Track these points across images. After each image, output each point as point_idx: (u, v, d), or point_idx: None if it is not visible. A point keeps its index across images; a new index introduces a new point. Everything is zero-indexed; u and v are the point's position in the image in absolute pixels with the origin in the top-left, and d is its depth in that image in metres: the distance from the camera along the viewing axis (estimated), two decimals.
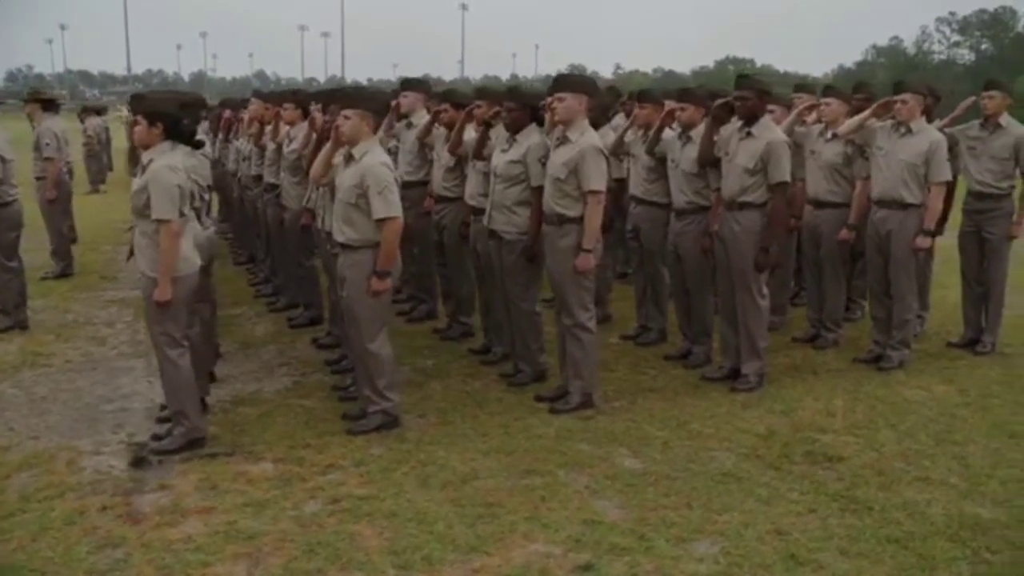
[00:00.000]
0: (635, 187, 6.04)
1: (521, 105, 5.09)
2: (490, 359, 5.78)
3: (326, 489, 4.00)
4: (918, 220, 5.53)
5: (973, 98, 6.14)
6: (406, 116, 6.64)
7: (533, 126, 5.09)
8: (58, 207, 8.65)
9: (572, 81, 4.76)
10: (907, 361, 5.78)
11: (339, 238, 4.56)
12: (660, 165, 5.78)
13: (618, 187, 6.43)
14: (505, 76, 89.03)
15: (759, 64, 65.05)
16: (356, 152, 4.49)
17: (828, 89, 6.22)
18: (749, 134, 5.08)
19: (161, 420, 4.77)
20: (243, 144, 8.30)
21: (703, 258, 5.51)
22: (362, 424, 4.67)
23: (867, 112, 5.73)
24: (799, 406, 5.02)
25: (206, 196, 5.29)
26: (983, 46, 54.13)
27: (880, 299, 5.85)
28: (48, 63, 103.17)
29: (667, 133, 5.70)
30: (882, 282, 5.78)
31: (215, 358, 5.65)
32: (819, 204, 6.10)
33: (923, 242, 5.55)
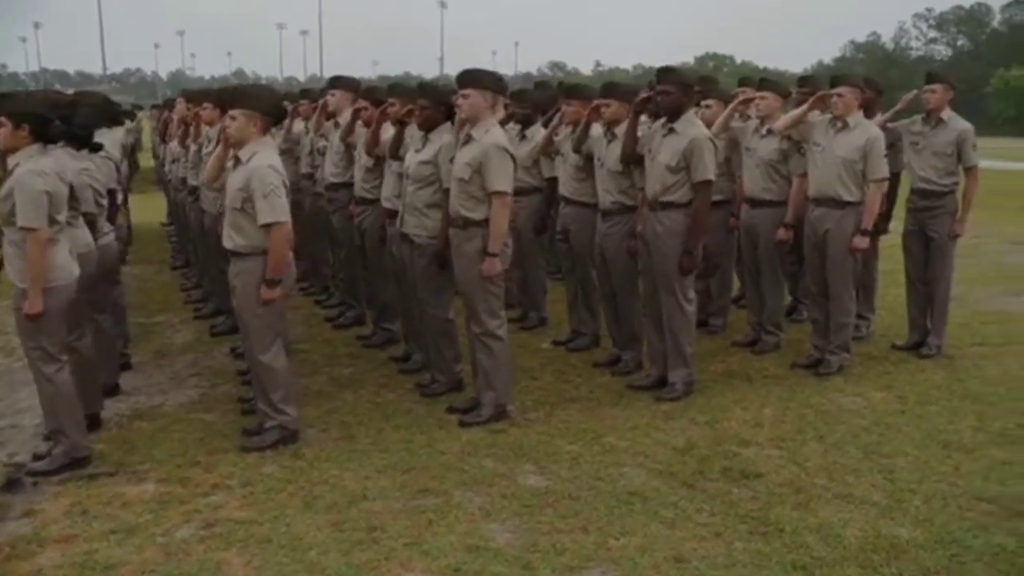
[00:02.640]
0: (564, 187, 5.78)
1: (434, 103, 4.81)
2: (409, 367, 5.51)
3: (203, 512, 3.72)
4: (856, 219, 5.29)
5: (916, 92, 5.91)
6: (334, 115, 6.36)
7: (447, 125, 4.82)
8: None
9: (477, 77, 4.49)
10: (847, 366, 5.55)
11: (227, 245, 4.29)
12: (588, 164, 5.52)
13: (549, 187, 6.18)
14: None
15: (739, 60, 64.93)
16: (243, 154, 4.21)
17: (763, 82, 5.97)
18: (672, 130, 4.82)
19: (47, 438, 4.47)
20: (175, 146, 8.02)
21: (629, 260, 5.25)
22: (257, 440, 4.39)
23: (803, 107, 5.49)
24: (725, 416, 4.77)
25: (103, 201, 5.00)
26: (960, 42, 54.24)
27: (818, 301, 5.61)
28: (23, 62, 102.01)
29: (595, 130, 5.44)
30: (820, 284, 5.55)
31: (118, 370, 5.35)
32: (755, 203, 5.86)
33: (860, 242, 5.31)
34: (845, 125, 5.27)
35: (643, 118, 5.25)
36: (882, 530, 3.54)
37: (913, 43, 56.94)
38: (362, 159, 5.82)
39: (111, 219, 5.18)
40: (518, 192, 6.33)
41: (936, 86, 5.70)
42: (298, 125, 7.43)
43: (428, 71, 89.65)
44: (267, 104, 4.29)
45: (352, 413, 4.87)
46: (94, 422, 4.62)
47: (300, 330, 6.70)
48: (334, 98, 6.28)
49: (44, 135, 4.06)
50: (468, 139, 4.48)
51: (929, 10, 55.30)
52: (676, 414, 4.80)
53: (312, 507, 3.76)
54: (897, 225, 6.18)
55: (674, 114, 4.81)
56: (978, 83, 44.86)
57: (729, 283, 6.50)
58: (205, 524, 3.61)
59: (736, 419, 4.73)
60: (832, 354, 5.52)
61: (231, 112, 4.24)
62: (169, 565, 3.31)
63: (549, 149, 5.99)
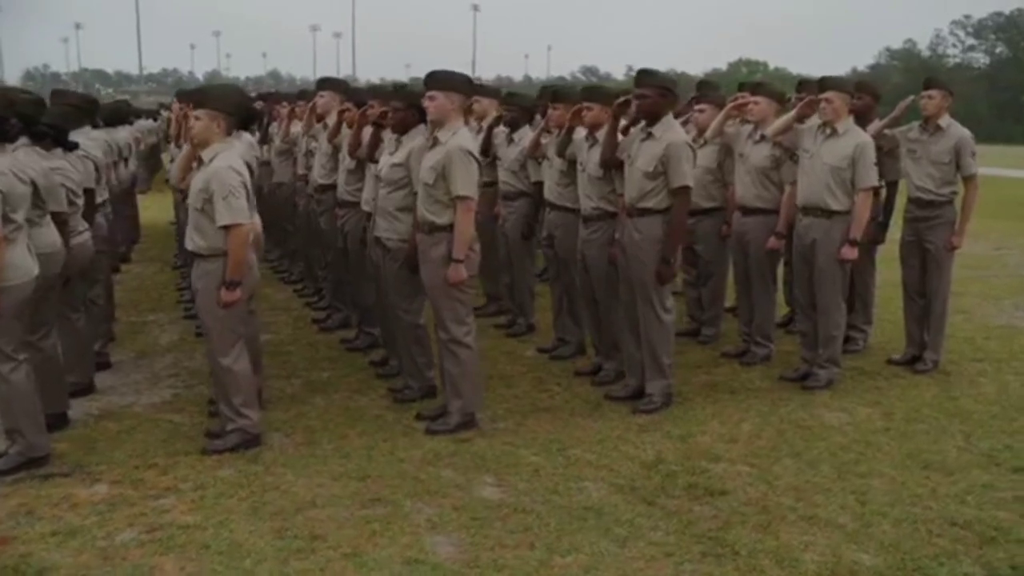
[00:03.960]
0: (548, 192, 5.66)
1: (407, 105, 4.72)
2: (387, 372, 5.43)
3: (149, 516, 3.66)
4: (844, 229, 5.12)
5: (912, 97, 5.71)
6: (323, 117, 6.31)
7: (421, 127, 4.73)
8: None
9: (444, 78, 4.40)
10: (836, 380, 5.36)
11: (189, 246, 4.25)
12: (573, 168, 5.40)
13: (537, 191, 6.07)
14: (518, 77, 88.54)
15: (772, 67, 64.20)
16: (206, 155, 4.16)
17: (757, 87, 5.80)
18: (650, 135, 4.69)
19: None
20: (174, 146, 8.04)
21: (611, 268, 5.11)
22: (218, 444, 4.33)
23: (793, 112, 5.34)
24: (701, 430, 4.62)
25: (78, 200, 4.97)
26: (998, 49, 53.11)
27: (807, 313, 5.44)
28: (64, 62, 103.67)
29: (579, 134, 5.32)
30: (808, 295, 5.38)
31: (92, 369, 5.31)
32: (747, 210, 5.70)
33: (849, 253, 5.13)
34: (834, 131, 5.10)
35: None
36: (843, 556, 3.38)
37: (950, 50, 55.96)
38: (345, 161, 5.76)
39: (88, 219, 5.15)
40: (506, 196, 6.28)
41: (934, 92, 5.49)
42: (296, 127, 7.40)
43: None
44: (231, 104, 4.23)
45: (320, 418, 4.80)
46: (61, 421, 4.59)
47: (287, 332, 6.66)
48: (322, 100, 6.23)
49: (1, 134, 4.03)
50: (434, 142, 4.38)
51: (967, 17, 54.30)
52: (650, 427, 4.66)
53: (259, 513, 3.68)
54: (897, 234, 5.98)
55: (652, 118, 4.67)
56: (1016, 92, 44.00)
57: (722, 292, 6.34)
58: (148, 528, 3.55)
59: (711, 433, 4.58)
60: (821, 368, 5.35)
61: (195, 112, 4.20)
62: (103, 570, 3.25)
63: (536, 153, 5.87)
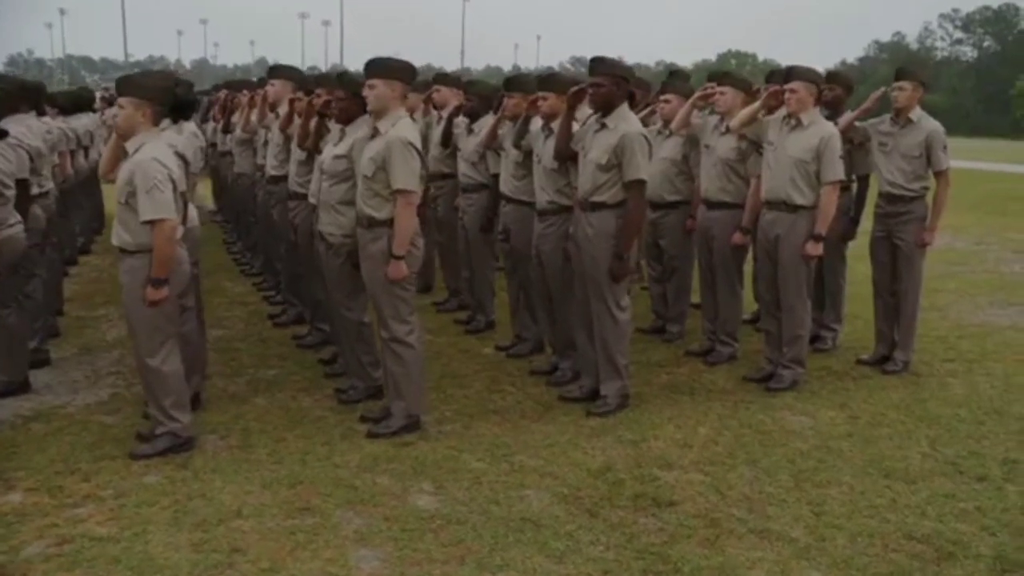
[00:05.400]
0: (504, 184, 5.44)
1: (350, 94, 4.49)
2: (335, 371, 5.21)
3: (62, 527, 3.45)
4: (809, 224, 4.92)
5: (884, 89, 5.51)
6: (276, 106, 6.07)
7: (366, 117, 4.50)
8: None
9: (385, 66, 4.17)
10: (801, 381, 5.18)
11: (115, 242, 4.03)
12: (529, 160, 5.19)
13: (495, 183, 5.85)
14: (507, 67, 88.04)
15: (761, 58, 64.02)
16: (131, 146, 3.94)
17: (724, 76, 5.59)
18: (604, 126, 4.48)
19: None
20: None
21: (566, 263, 4.91)
22: (146, 448, 4.11)
23: (757, 103, 5.13)
24: (655, 435, 4.43)
25: (8, 192, 4.72)
26: (986, 43, 53.03)
27: (771, 311, 5.25)
28: (48, 48, 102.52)
29: (535, 125, 5.10)
30: (772, 293, 5.19)
31: (25, 368, 5.08)
32: (712, 204, 5.50)
33: (814, 249, 4.94)
34: (799, 123, 4.90)
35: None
36: (792, 573, 3.20)
37: (938, 43, 55.90)
38: (296, 152, 5.53)
39: (21, 211, 4.91)
40: (465, 189, 6.07)
41: (905, 83, 5.30)
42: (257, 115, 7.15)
43: (449, 63, 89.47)
44: (157, 92, 3.99)
45: (259, 419, 4.59)
46: None
47: (239, 327, 6.44)
48: (273, 88, 6.00)
49: None
50: (374, 133, 4.17)
51: (956, 10, 54.21)
52: (603, 431, 4.47)
53: (179, 523, 3.48)
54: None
55: (606, 108, 4.46)
56: (1004, 85, 43.97)
57: (687, 288, 6.14)
58: (58, 541, 3.35)
59: (666, 438, 4.39)
60: (785, 368, 5.16)
61: (119, 100, 3.96)
62: None
63: (493, 144, 5.66)
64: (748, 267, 5.76)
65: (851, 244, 5.99)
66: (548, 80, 4.95)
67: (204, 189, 11.13)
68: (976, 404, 4.99)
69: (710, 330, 5.77)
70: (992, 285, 8.36)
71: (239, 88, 8.44)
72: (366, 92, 4.15)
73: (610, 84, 4.43)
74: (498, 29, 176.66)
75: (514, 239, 5.41)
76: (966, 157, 25.15)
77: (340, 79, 4.69)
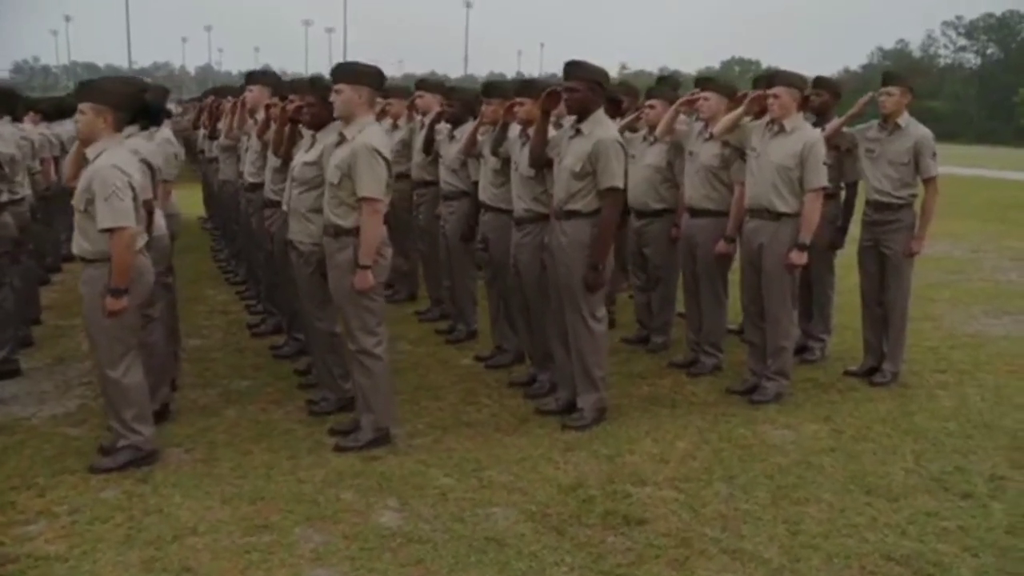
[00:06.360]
0: (483, 192, 5.34)
1: (321, 100, 4.39)
2: (309, 382, 5.10)
3: (10, 545, 3.35)
4: (792, 232, 4.80)
5: (871, 94, 5.40)
6: (255, 113, 5.98)
7: (337, 124, 4.39)
8: None
9: (351, 70, 4.07)
10: (785, 393, 5.06)
11: (75, 250, 3.93)
12: (507, 167, 5.08)
13: (476, 190, 5.74)
14: (511, 73, 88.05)
15: (764, 65, 63.91)
16: (91, 152, 3.84)
17: (706, 81, 5.48)
18: (578, 132, 4.37)
19: None
20: None
21: (543, 273, 4.79)
22: (106, 461, 4.01)
23: (740, 108, 5.02)
24: (631, 449, 4.31)
25: None
26: (989, 50, 52.91)
27: (755, 322, 5.13)
28: (53, 55, 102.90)
29: (514, 131, 5.00)
30: (756, 303, 5.07)
31: None
32: (695, 212, 5.39)
33: (798, 258, 4.81)
34: (782, 129, 4.79)
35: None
36: None
37: (942, 51, 55.73)
38: (271, 159, 5.43)
39: None
40: (446, 196, 5.96)
41: (893, 88, 5.18)
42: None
43: (453, 70, 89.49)
44: (119, 98, 3.89)
45: (227, 432, 4.48)
46: None
47: (217, 336, 6.34)
48: (251, 94, 5.92)
49: None
50: (341, 139, 4.07)
51: (959, 18, 54.05)
52: (578, 445, 4.35)
53: (132, 541, 3.37)
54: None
55: (582, 114, 4.36)
56: (1007, 93, 43.81)
57: (672, 298, 6.02)
58: (2, 560, 3.23)
59: (642, 453, 4.27)
60: (769, 380, 5.04)
61: (80, 106, 3.87)
62: None
63: (472, 151, 5.55)
64: (735, 276, 5.64)
65: (840, 253, 5.87)
66: (525, 86, 4.85)
67: (193, 196, 11.03)
68: (965, 417, 4.86)
69: (694, 341, 5.65)
70: (987, 294, 8.22)
71: (225, 94, 8.35)
72: (333, 97, 4.05)
73: (585, 89, 4.32)
74: (502, 35, 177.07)
75: (493, 248, 5.30)
76: (969, 164, 25.03)
77: (311, 84, 4.59)
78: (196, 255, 9.60)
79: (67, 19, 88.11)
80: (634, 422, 4.67)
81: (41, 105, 8.25)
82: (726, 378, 5.42)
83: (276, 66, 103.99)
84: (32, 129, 7.90)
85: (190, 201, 12.26)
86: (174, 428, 4.50)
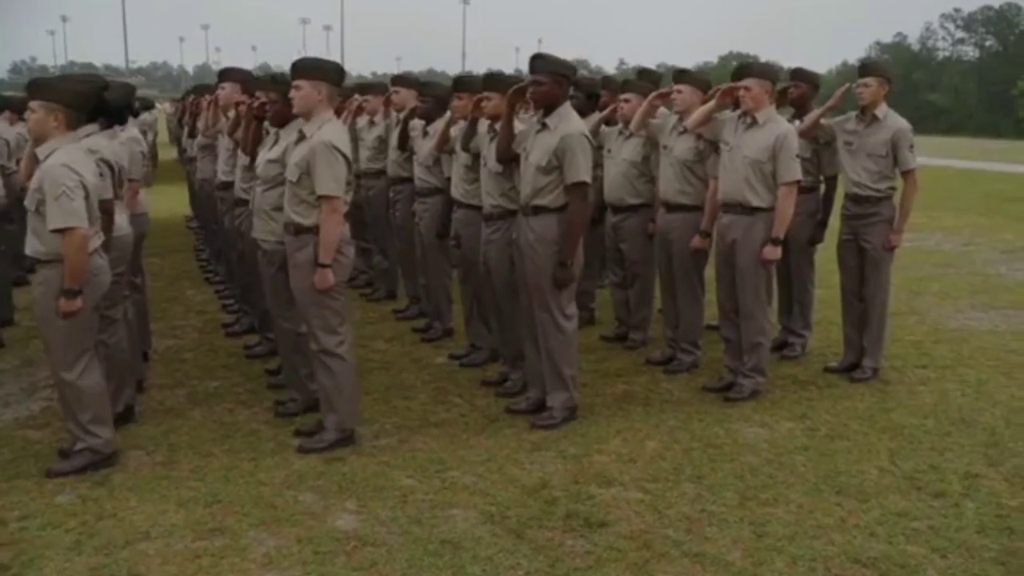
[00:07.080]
0: (455, 188, 5.26)
1: (283, 96, 4.32)
2: (279, 382, 5.02)
3: None
4: (766, 227, 4.73)
5: (849, 85, 5.31)
6: (227, 110, 5.91)
7: (299, 121, 4.32)
8: None
9: (311, 66, 4.00)
10: (761, 391, 4.98)
11: (28, 251, 3.85)
12: (478, 163, 5.00)
13: (449, 187, 5.66)
14: (509, 70, 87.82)
15: (763, 60, 63.73)
16: (41, 152, 3.77)
17: (681, 74, 5.39)
18: (544, 126, 4.29)
19: None
20: None
21: (512, 270, 4.72)
22: (63, 465, 3.94)
23: (712, 102, 4.94)
24: (599, 449, 4.23)
25: None
26: (988, 43, 52.66)
27: (730, 318, 5.05)
28: (51, 55, 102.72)
29: (483, 127, 4.92)
30: (731, 299, 4.99)
31: None
32: (670, 207, 5.31)
33: (771, 253, 4.74)
34: (754, 122, 4.71)
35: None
36: None
37: (940, 44, 55.48)
38: (240, 157, 5.36)
39: None
40: (420, 193, 5.88)
41: (870, 79, 5.09)
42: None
43: (451, 67, 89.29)
44: (72, 96, 3.81)
45: (190, 433, 4.41)
46: None
47: (191, 336, 6.27)
48: (224, 92, 5.85)
49: None
50: (300, 137, 3.99)
51: (957, 10, 53.81)
52: (546, 445, 4.27)
53: (80, 548, 3.29)
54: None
55: (548, 107, 4.28)
56: (1006, 85, 43.65)
57: (650, 294, 5.94)
58: None
59: (610, 453, 4.19)
60: (746, 377, 4.96)
61: (30, 104, 3.79)
62: None
63: (445, 147, 5.48)
64: (713, 271, 5.57)
65: (820, 247, 5.79)
66: (492, 80, 4.77)
67: (183, 195, 10.96)
68: (944, 414, 4.78)
69: (671, 338, 5.58)
70: (975, 287, 8.13)
71: (204, 92, 8.28)
72: (292, 93, 3.98)
73: (550, 82, 4.24)
74: (499, 32, 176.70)
75: (465, 245, 5.23)
76: (967, 157, 24.91)
77: (273, 80, 4.51)
78: (181, 255, 9.55)
79: (64, 19, 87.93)
80: (605, 421, 4.59)
81: (16, 103, 8.15)
82: (703, 375, 5.34)
83: (274, 64, 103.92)
84: (9, 129, 7.84)
85: (178, 200, 12.25)
86: (137, 430, 4.44)
